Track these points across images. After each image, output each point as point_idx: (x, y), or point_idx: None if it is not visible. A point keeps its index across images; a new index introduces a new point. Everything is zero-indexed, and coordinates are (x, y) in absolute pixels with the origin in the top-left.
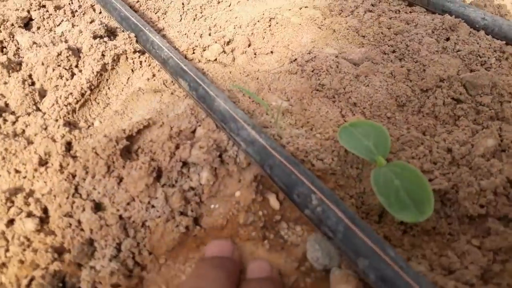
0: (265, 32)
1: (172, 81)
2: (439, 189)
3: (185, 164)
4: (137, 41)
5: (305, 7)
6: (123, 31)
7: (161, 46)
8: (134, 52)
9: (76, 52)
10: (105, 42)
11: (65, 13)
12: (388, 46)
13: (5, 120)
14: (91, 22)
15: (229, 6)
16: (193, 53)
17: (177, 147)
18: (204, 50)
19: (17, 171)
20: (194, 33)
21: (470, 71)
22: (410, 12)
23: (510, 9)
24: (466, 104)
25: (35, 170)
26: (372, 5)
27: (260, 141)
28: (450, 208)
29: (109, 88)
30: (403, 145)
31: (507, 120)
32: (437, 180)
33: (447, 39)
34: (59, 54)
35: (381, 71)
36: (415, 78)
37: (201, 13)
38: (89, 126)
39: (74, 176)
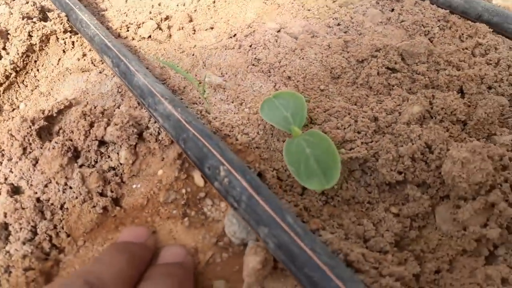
0: (208, 9)
1: (101, 60)
2: (357, 157)
3: (103, 143)
4: (68, 21)
5: None
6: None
7: (88, 23)
8: (65, 32)
9: (5, 33)
10: (34, 22)
11: None
12: (333, 19)
13: None
14: (26, 3)
15: None
16: (127, 30)
17: (91, 125)
18: (138, 27)
19: None
20: (134, 11)
21: None
22: None
23: None
24: (401, 73)
25: None
26: None
27: (176, 115)
28: (370, 176)
29: (38, 70)
30: (330, 116)
31: (441, 88)
32: (357, 149)
33: (392, 10)
34: None
35: (319, 43)
36: (352, 49)
37: None
38: (13, 109)
39: None
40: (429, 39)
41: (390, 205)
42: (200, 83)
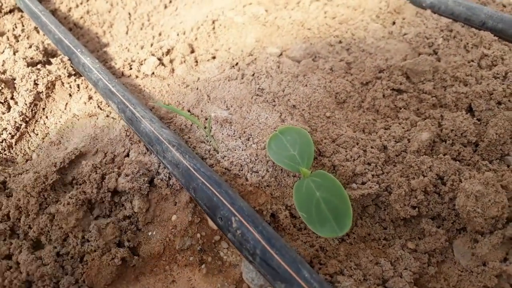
0: (209, 36)
1: (106, 103)
2: (369, 194)
3: (116, 192)
4: (71, 64)
5: (249, 4)
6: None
7: (91, 68)
8: (69, 76)
9: (11, 83)
10: (38, 69)
11: (8, 39)
12: (334, 37)
13: None
14: (30, 47)
15: (176, 10)
16: (130, 68)
17: (103, 177)
18: (141, 65)
19: None
20: (135, 46)
21: (418, 55)
22: None
23: None
24: (408, 93)
25: None
26: None
27: (184, 162)
28: (384, 211)
29: (46, 117)
30: (338, 147)
31: (449, 107)
32: (369, 184)
33: (393, 23)
34: None
35: (321, 67)
36: (355, 71)
37: (148, 21)
38: (27, 160)
39: (8, 216)
40: (433, 50)
41: (406, 241)
42: (206, 120)
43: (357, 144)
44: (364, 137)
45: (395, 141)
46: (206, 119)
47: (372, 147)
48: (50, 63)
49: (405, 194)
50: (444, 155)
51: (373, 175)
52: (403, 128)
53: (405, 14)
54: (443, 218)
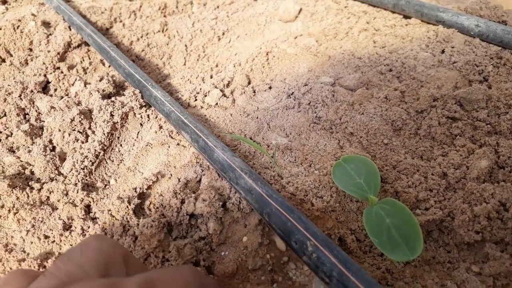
0: (263, 67)
1: (177, 132)
2: (433, 219)
3: (192, 216)
4: (142, 96)
5: (300, 35)
6: (129, 87)
7: (163, 101)
8: (141, 107)
9: (88, 114)
10: (113, 102)
11: (77, 72)
12: (384, 65)
13: (31, 189)
14: (100, 80)
15: (229, 42)
16: (195, 100)
17: (182, 201)
18: (205, 96)
19: (46, 237)
20: (197, 77)
21: (468, 82)
22: (406, 25)
23: (507, 9)
24: (462, 121)
25: (61, 235)
26: (367, 22)
27: (257, 189)
28: (447, 236)
29: (121, 145)
30: (400, 173)
31: (504, 134)
32: (432, 210)
33: (442, 51)
34: (72, 120)
35: (376, 96)
36: (409, 99)
37: (203, 52)
38: (105, 185)
39: None
40: (483, 77)
41: (470, 264)
42: (268, 147)
43: (418, 171)
44: (423, 164)
45: (454, 168)
46: (268, 146)
47: (432, 174)
48: (119, 94)
49: (468, 220)
50: (504, 182)
51: (435, 201)
52: (461, 155)
53: (454, 43)
54: (507, 243)
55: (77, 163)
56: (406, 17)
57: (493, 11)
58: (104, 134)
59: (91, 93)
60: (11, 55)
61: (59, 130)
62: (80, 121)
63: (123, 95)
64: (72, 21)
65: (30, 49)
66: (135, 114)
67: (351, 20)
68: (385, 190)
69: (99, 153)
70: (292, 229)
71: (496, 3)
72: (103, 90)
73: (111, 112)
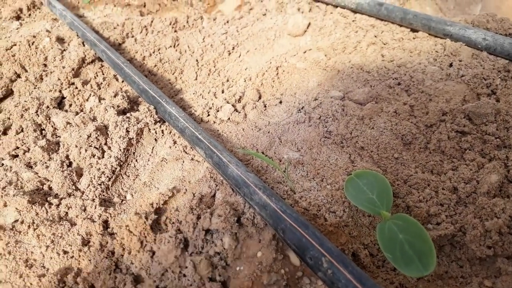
0: (273, 81)
1: (191, 147)
2: (445, 234)
3: (208, 231)
4: (156, 112)
5: (309, 49)
6: (144, 103)
7: (178, 117)
8: (155, 122)
9: (104, 130)
10: (128, 118)
11: (91, 87)
12: (393, 79)
13: (50, 204)
14: (115, 96)
15: (239, 56)
16: (208, 115)
17: (198, 217)
18: (217, 111)
19: (65, 252)
20: (208, 92)
21: (476, 95)
22: (414, 38)
23: None
24: (471, 135)
25: (80, 250)
26: (375, 36)
27: (271, 205)
28: (460, 250)
29: (136, 160)
30: (411, 188)
31: None
32: (443, 224)
33: (450, 65)
34: (89, 136)
35: (385, 110)
36: (418, 114)
37: (214, 67)
38: (122, 201)
39: (113, 253)
40: (491, 90)
41: (483, 279)
42: (280, 162)
43: (428, 185)
44: (434, 178)
45: (465, 182)
46: (280, 161)
47: (443, 188)
48: (133, 109)
49: (480, 235)
50: None
51: (447, 216)
52: (471, 169)
53: (462, 56)
54: None
55: (94, 178)
56: (414, 30)
57: (500, 24)
58: (121, 150)
59: (107, 109)
60: (26, 71)
61: (76, 146)
62: (96, 137)
63: (138, 110)
64: (85, 37)
65: (45, 65)
66: (149, 129)
67: (359, 33)
68: (396, 204)
69: (116, 168)
70: (307, 245)
71: (502, 15)
72: (118, 106)
73: (126, 128)
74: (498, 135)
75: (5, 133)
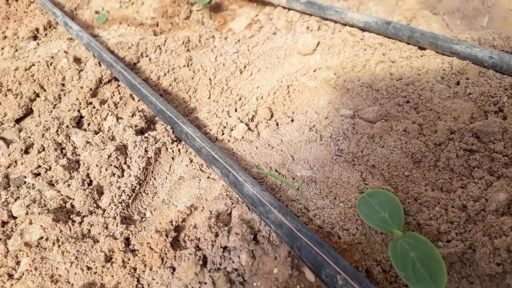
0: (284, 100)
1: (207, 165)
2: (455, 252)
3: (226, 248)
4: (173, 132)
5: (319, 68)
6: (160, 122)
7: (194, 137)
8: (172, 142)
9: (123, 149)
10: (147, 138)
11: (109, 107)
12: (402, 97)
13: (73, 222)
14: (132, 116)
15: (251, 75)
16: (222, 134)
17: (216, 235)
18: (231, 130)
19: (88, 268)
20: (222, 111)
21: (484, 113)
22: (421, 56)
23: None
24: (479, 153)
25: (103, 266)
26: (383, 54)
27: (287, 223)
28: (470, 267)
29: (155, 179)
30: (421, 206)
31: None
32: (453, 242)
33: (458, 83)
34: (110, 156)
35: (395, 129)
36: (427, 132)
37: (227, 85)
38: (142, 218)
39: (135, 269)
40: (499, 108)
41: None
42: (293, 180)
43: (438, 203)
44: (443, 196)
45: (474, 200)
46: (293, 179)
47: (452, 206)
48: (150, 128)
49: (489, 253)
50: None
51: (456, 234)
52: (479, 187)
53: (469, 74)
54: None
55: (115, 197)
56: (421, 48)
57: (506, 42)
58: (140, 169)
59: (125, 129)
60: (45, 90)
61: (97, 166)
62: (116, 157)
63: (155, 129)
64: (102, 57)
65: (63, 84)
66: (167, 148)
67: (367, 52)
68: (408, 222)
69: (136, 187)
70: (322, 263)
71: (509, 26)
72: (136, 126)
73: (145, 148)
74: (505, 153)
75: (26, 151)
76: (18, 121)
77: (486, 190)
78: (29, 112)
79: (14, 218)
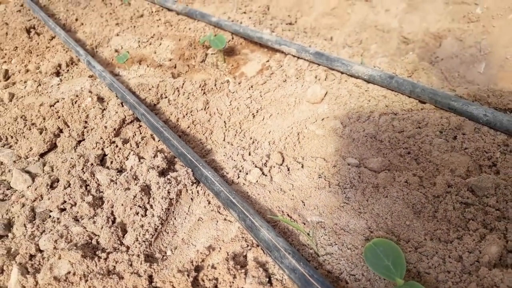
0: (295, 146)
1: (224, 208)
2: None
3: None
4: (193, 174)
5: (327, 117)
6: (180, 163)
7: (213, 180)
8: (192, 184)
9: (147, 190)
10: (169, 180)
11: (131, 146)
12: (403, 149)
13: (99, 258)
14: (154, 157)
15: (263, 120)
16: (238, 177)
17: (234, 277)
18: (246, 174)
19: None
20: (237, 155)
21: (479, 167)
22: (421, 109)
23: None
24: (474, 206)
25: None
26: (386, 106)
27: (300, 269)
28: None
29: (175, 218)
30: (421, 255)
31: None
32: None
33: (455, 137)
34: (135, 196)
35: (397, 180)
36: (427, 184)
37: (240, 128)
38: (163, 256)
39: None
40: (492, 163)
41: None
42: (304, 225)
43: (437, 253)
44: (441, 247)
45: (469, 251)
46: (304, 224)
47: (449, 257)
48: (171, 169)
49: None
50: None
51: (453, 283)
52: (474, 239)
53: (465, 130)
54: None
55: (139, 236)
56: (422, 101)
57: (500, 99)
58: (163, 209)
59: (149, 170)
60: (68, 126)
61: (122, 205)
62: (141, 198)
63: (175, 170)
64: (125, 99)
65: (86, 121)
66: (187, 190)
67: (371, 103)
68: (409, 269)
69: (158, 226)
70: None
71: (505, 73)
72: (158, 167)
73: (168, 190)
74: (498, 207)
75: (52, 186)
76: (42, 155)
77: (480, 242)
78: (53, 147)
79: (41, 251)
